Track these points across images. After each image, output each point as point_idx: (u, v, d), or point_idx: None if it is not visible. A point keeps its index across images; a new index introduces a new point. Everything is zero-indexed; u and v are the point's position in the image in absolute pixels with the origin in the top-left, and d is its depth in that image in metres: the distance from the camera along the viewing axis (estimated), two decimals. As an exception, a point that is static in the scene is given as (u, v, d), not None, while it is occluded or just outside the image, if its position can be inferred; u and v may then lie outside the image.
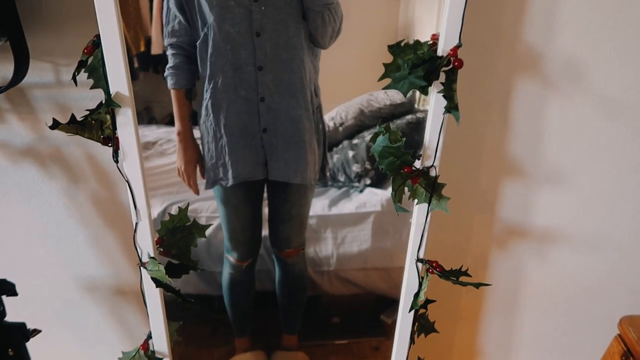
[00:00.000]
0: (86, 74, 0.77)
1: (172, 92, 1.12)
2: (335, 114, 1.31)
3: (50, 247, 1.13)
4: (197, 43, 1.05)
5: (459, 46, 0.77)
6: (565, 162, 1.10)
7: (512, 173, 1.12)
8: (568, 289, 1.25)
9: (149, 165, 2.02)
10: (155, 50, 2.74)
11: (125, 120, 0.79)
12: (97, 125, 0.79)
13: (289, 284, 1.32)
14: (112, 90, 0.77)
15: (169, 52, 1.11)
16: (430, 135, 0.86)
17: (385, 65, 0.80)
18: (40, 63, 0.90)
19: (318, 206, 1.50)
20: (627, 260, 1.21)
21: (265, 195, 1.24)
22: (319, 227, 1.52)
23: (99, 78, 0.77)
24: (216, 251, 1.32)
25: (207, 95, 1.08)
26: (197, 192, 1.19)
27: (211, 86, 1.07)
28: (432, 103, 0.83)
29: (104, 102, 0.78)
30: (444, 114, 0.79)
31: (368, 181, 1.55)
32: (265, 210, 1.27)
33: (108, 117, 0.78)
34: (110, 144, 0.81)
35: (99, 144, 0.80)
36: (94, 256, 1.15)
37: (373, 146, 0.86)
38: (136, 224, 0.88)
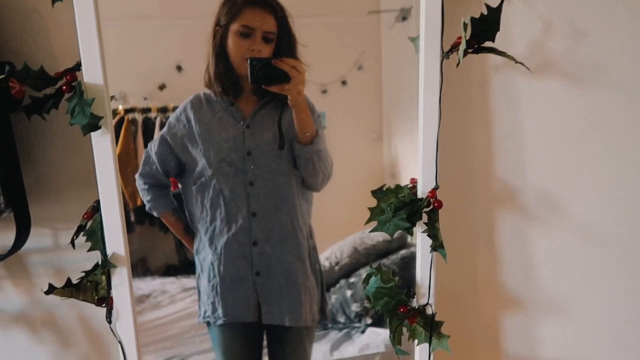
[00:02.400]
0: (84, 238, 0.81)
1: (165, 218, 1.18)
2: (329, 254, 1.33)
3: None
4: (193, 187, 1.12)
5: (436, 188, 0.83)
6: (561, 290, 1.10)
7: (510, 304, 1.10)
8: None
9: (143, 320, 1.96)
10: None
11: (121, 279, 0.81)
12: (92, 287, 0.80)
13: None
14: (109, 251, 0.80)
15: (143, 187, 1.17)
16: (422, 273, 0.87)
17: (370, 209, 0.84)
18: (39, 229, 0.94)
19: (319, 352, 1.44)
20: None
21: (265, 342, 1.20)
22: None
23: (97, 241, 0.80)
24: None
25: (201, 236, 1.13)
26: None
27: (205, 228, 1.12)
28: (419, 242, 0.86)
29: (100, 263, 0.80)
30: (430, 252, 0.81)
31: (369, 320, 1.51)
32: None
33: (103, 277, 0.80)
34: (104, 305, 0.81)
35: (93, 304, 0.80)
36: None
37: (367, 288, 0.87)
38: (128, 389, 0.84)
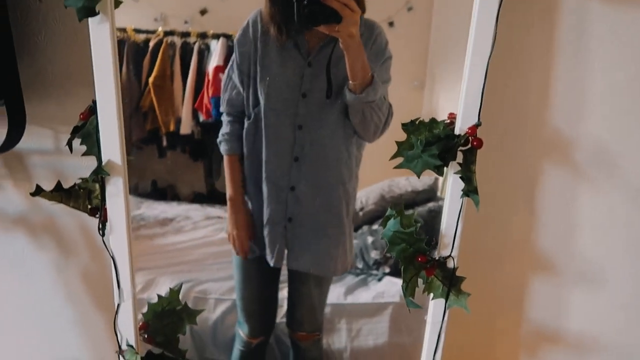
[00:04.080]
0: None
1: (225, 158, 1.14)
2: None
3: (33, 324, 1.05)
4: (246, 122, 1.08)
5: (478, 125, 0.71)
6: (601, 258, 0.99)
7: (542, 268, 1.01)
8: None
9: (164, 242, 1.97)
10: (184, 130, 2.79)
11: (116, 190, 0.74)
12: (85, 195, 0.73)
13: None
14: (104, 158, 0.73)
15: (224, 118, 1.14)
16: (448, 221, 0.78)
17: (397, 143, 0.74)
18: (40, 129, 0.88)
19: (333, 294, 1.41)
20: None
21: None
22: (333, 316, 1.43)
23: (92, 145, 0.73)
24: (223, 338, 1.28)
25: (245, 173, 1.10)
26: (245, 257, 1.17)
27: (250, 166, 1.09)
28: (450, 186, 0.75)
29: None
30: (461, 197, 0.71)
31: (387, 269, 1.48)
32: (282, 294, 1.23)
33: (97, 186, 0.73)
34: (97, 215, 0.75)
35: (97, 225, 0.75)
36: (77, 338, 1.06)
37: (383, 231, 0.78)
38: (118, 305, 0.79)
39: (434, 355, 0.82)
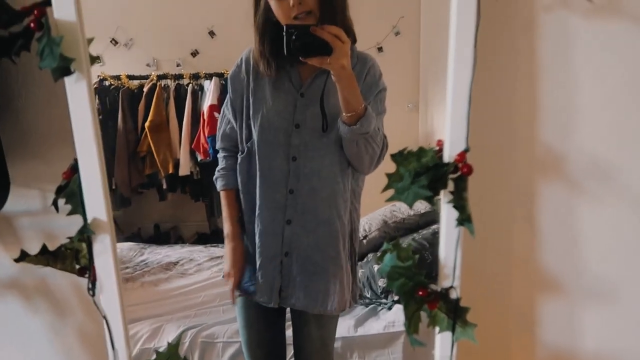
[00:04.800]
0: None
1: (222, 194, 1.12)
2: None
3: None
4: (240, 156, 1.07)
5: (466, 151, 0.70)
6: (609, 272, 0.97)
7: (550, 287, 0.98)
8: None
9: (169, 287, 1.94)
10: (184, 171, 2.77)
11: (103, 248, 0.72)
12: (72, 255, 0.72)
13: None
14: (89, 216, 0.71)
15: (220, 154, 1.13)
16: (446, 251, 0.76)
17: (387, 175, 0.73)
18: (26, 190, 0.87)
19: (343, 327, 1.38)
20: None
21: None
22: (344, 350, 1.40)
23: (77, 204, 0.72)
24: None
25: (243, 207, 1.08)
26: (233, 300, 1.14)
27: (246, 199, 1.07)
28: (444, 215, 0.74)
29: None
30: (456, 226, 0.69)
31: (396, 297, 1.44)
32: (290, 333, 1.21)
33: (84, 245, 0.71)
34: (86, 275, 0.73)
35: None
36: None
37: (381, 266, 0.76)
38: (113, 363, 0.77)
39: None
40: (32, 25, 0.64)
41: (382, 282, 1.64)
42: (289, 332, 1.21)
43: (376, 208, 1.99)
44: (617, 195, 0.93)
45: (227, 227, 1.11)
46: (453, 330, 0.75)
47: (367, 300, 1.78)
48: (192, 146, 2.70)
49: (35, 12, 0.64)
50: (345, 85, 0.92)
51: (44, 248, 0.70)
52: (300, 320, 1.14)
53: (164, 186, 2.78)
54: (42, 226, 0.91)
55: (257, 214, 1.06)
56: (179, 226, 2.16)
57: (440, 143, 0.76)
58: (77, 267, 0.73)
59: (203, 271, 2.12)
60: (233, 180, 1.10)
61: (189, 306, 1.87)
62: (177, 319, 1.81)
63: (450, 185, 0.70)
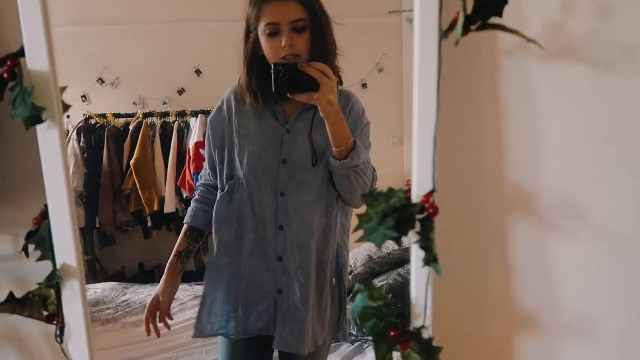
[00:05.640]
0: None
1: (186, 230, 1.14)
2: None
3: None
4: (219, 193, 1.06)
5: (432, 192, 0.71)
6: (586, 309, 0.97)
7: (527, 326, 0.98)
8: None
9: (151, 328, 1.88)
10: (169, 208, 2.75)
11: (72, 294, 0.72)
12: (40, 302, 0.71)
13: None
14: (59, 262, 0.71)
15: (201, 188, 1.15)
16: (417, 291, 0.76)
17: (358, 216, 0.74)
18: (-1, 235, 0.87)
19: None
20: None
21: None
22: None
23: (47, 250, 0.71)
24: None
25: (225, 243, 1.07)
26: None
27: (232, 236, 1.06)
28: (414, 255, 0.74)
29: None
30: (423, 267, 0.70)
31: None
32: None
33: (52, 292, 0.71)
34: (54, 322, 0.72)
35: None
36: None
37: (353, 307, 0.76)
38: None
39: None
40: (5, 75, 0.66)
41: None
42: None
43: (362, 244, 1.99)
44: (589, 231, 0.94)
45: (170, 258, 1.14)
46: (427, 373, 0.74)
47: (353, 338, 1.75)
48: (178, 183, 2.69)
49: (9, 62, 0.66)
50: (334, 121, 0.94)
51: (11, 296, 0.69)
52: (288, 355, 1.12)
53: (149, 224, 2.75)
54: (13, 272, 0.90)
55: (246, 251, 1.05)
56: (163, 264, 2.13)
57: (409, 184, 0.78)
58: (46, 314, 0.72)
59: (186, 311, 2.08)
60: (198, 219, 1.13)
61: (171, 347, 1.83)
62: (160, 356, 1.77)
63: (418, 226, 0.71)
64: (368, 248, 2.10)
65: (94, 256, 2.54)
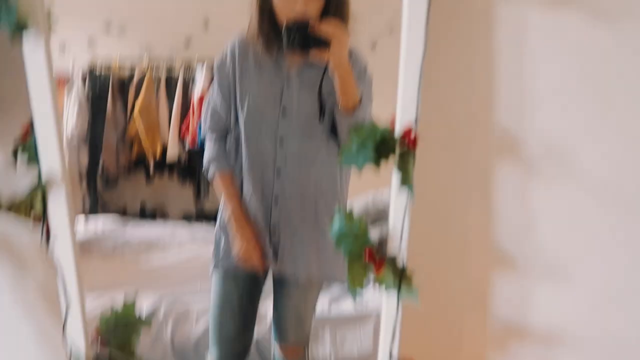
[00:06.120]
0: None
1: (219, 177, 1.12)
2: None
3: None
4: (228, 137, 1.11)
5: (412, 127, 0.72)
6: (562, 251, 1.00)
7: (504, 265, 1.01)
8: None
9: (149, 262, 1.95)
10: (171, 158, 2.78)
11: (58, 201, 0.74)
12: (27, 204, 0.74)
13: None
14: (44, 169, 0.73)
15: (208, 136, 1.13)
16: (395, 219, 0.78)
17: (342, 146, 0.76)
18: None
19: (317, 305, 1.39)
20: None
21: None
22: (317, 325, 1.42)
23: (33, 156, 0.73)
24: (205, 352, 1.26)
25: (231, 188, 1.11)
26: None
27: (237, 179, 1.10)
28: (394, 185, 0.76)
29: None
30: (399, 187, 0.71)
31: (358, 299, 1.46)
32: (264, 306, 1.26)
33: (39, 196, 0.73)
34: (40, 227, 0.75)
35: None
36: (39, 352, 1.04)
37: (330, 230, 0.78)
38: (66, 315, 0.79)
39: (391, 348, 0.81)
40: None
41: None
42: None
43: (360, 193, 2.02)
44: (572, 177, 0.95)
45: (230, 207, 1.11)
46: (398, 292, 0.77)
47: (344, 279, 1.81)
48: (181, 134, 2.71)
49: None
50: (343, 77, 0.95)
51: (-1, 196, 0.72)
52: (281, 292, 1.18)
53: (151, 171, 2.79)
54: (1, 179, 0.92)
55: (246, 192, 1.10)
56: (164, 206, 2.17)
57: (393, 117, 0.78)
58: (32, 216, 0.75)
59: (183, 247, 2.14)
60: (225, 164, 1.12)
61: (167, 280, 1.89)
62: (154, 292, 1.83)
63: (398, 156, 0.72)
64: (365, 199, 2.13)
65: (97, 196, 2.60)
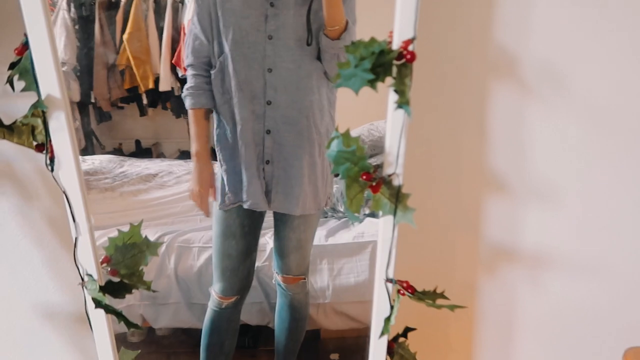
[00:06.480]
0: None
1: (190, 113, 1.12)
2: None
3: (4, 271, 1.07)
4: (212, 72, 1.07)
5: (412, 39, 0.71)
6: (554, 175, 1.02)
7: (495, 187, 1.03)
8: (566, 318, 1.13)
9: (147, 197, 1.98)
10: (164, 87, 2.72)
11: (59, 125, 0.75)
12: (28, 131, 0.74)
13: (286, 314, 1.29)
14: (43, 93, 0.73)
15: (189, 72, 1.12)
16: (391, 138, 0.79)
17: (338, 64, 0.74)
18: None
19: (315, 237, 1.43)
20: (631, 288, 1.09)
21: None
22: (315, 257, 1.47)
23: (31, 81, 0.73)
24: (207, 284, 1.30)
25: (220, 124, 1.10)
26: (207, 213, 1.19)
27: (224, 114, 1.09)
28: (390, 103, 0.76)
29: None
30: (395, 109, 0.72)
31: (367, 211, 1.50)
32: (264, 239, 1.28)
33: (39, 121, 0.74)
34: (43, 151, 0.76)
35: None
36: (52, 280, 1.09)
37: (328, 152, 0.79)
38: (76, 238, 0.82)
39: (387, 269, 0.85)
40: None
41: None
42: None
43: (354, 127, 2.02)
44: (567, 101, 0.96)
45: (195, 146, 1.13)
46: (395, 214, 0.80)
47: (340, 214, 1.85)
48: (173, 61, 2.64)
49: None
50: (332, 0, 0.93)
51: (0, 122, 0.72)
52: (281, 224, 1.21)
53: (145, 101, 2.75)
54: (2, 110, 0.92)
55: (238, 123, 1.08)
56: (160, 143, 2.17)
57: (391, 34, 0.77)
58: (35, 144, 0.75)
59: (182, 183, 2.16)
60: (203, 99, 1.11)
61: (166, 215, 1.92)
62: (154, 226, 1.87)
63: (395, 72, 0.72)
64: (360, 132, 2.13)
65: (91, 131, 2.57)
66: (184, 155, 2.32)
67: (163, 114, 2.75)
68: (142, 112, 2.67)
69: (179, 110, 2.43)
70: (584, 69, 0.93)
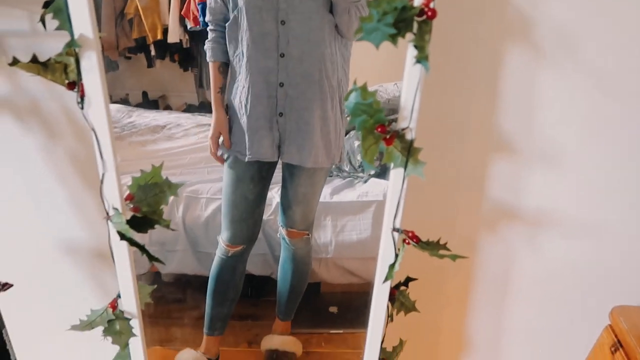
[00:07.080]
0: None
1: (210, 65, 1.19)
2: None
3: (28, 205, 1.12)
4: (227, 24, 1.10)
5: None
6: (560, 139, 1.05)
7: (502, 148, 1.07)
8: (560, 277, 1.19)
9: (155, 148, 2.01)
10: (172, 38, 2.70)
11: (90, 65, 0.77)
12: (62, 68, 0.77)
13: (289, 267, 1.33)
14: (76, 33, 0.75)
15: (209, 27, 1.16)
16: (407, 93, 0.82)
17: (361, 18, 0.77)
18: (13, 10, 0.89)
19: (321, 194, 1.47)
20: (622, 249, 1.15)
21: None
22: (319, 213, 1.51)
23: (64, 20, 0.75)
24: (214, 234, 1.33)
25: (234, 75, 1.14)
26: (220, 161, 1.23)
27: (238, 67, 1.12)
28: (408, 59, 0.79)
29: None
30: (414, 64, 0.75)
31: (372, 171, 1.54)
32: (270, 194, 1.30)
33: (72, 60, 0.76)
34: (75, 89, 0.79)
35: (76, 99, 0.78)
36: (74, 216, 1.14)
37: (346, 103, 0.83)
38: (103, 174, 0.86)
39: (394, 219, 0.90)
40: None
41: (360, 157, 1.73)
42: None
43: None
44: (578, 64, 0.98)
45: (213, 96, 1.18)
46: (405, 166, 0.84)
47: (345, 174, 1.88)
48: (182, 13, 2.61)
49: None
50: None
51: (34, 57, 0.75)
52: (289, 176, 1.23)
53: (152, 52, 2.73)
54: (33, 49, 0.94)
55: (249, 79, 1.11)
56: (167, 95, 2.19)
57: (414, -10, 0.79)
58: (67, 81, 0.78)
59: (190, 136, 2.18)
60: (217, 53, 1.15)
61: (174, 166, 1.95)
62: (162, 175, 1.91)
63: (416, 28, 0.74)
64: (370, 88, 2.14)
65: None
66: (191, 108, 2.35)
67: (171, 66, 2.74)
68: (150, 64, 2.66)
69: (187, 63, 2.43)
70: (596, 36, 0.95)
